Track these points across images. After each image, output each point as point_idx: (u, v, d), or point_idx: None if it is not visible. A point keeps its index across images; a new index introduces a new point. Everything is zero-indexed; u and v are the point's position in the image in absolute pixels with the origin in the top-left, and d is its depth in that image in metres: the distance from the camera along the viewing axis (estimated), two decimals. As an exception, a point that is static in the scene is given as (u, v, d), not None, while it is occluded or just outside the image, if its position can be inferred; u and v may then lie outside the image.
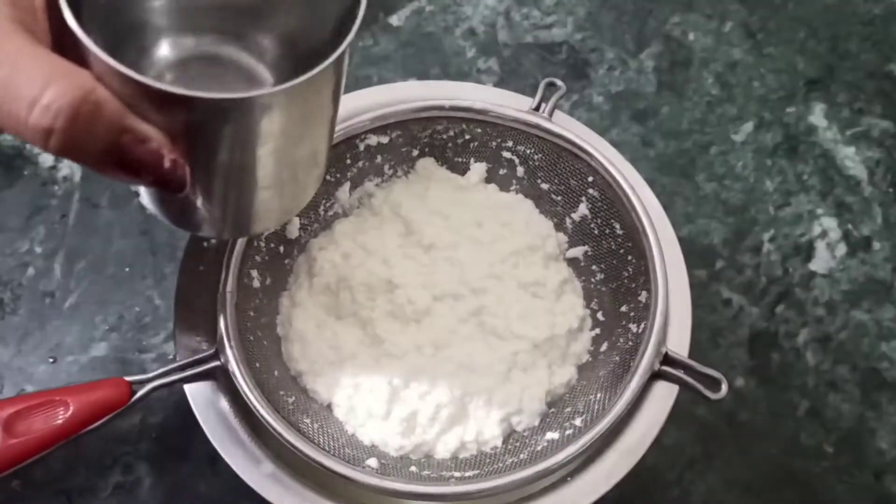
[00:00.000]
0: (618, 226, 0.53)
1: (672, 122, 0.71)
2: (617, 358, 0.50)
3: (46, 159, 0.68)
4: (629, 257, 0.52)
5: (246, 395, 0.44)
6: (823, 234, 0.66)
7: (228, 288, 0.47)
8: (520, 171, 0.56)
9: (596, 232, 0.55)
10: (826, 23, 0.75)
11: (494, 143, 0.56)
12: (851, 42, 0.75)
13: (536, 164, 0.55)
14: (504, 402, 0.49)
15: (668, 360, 0.47)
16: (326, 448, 0.45)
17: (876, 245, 0.65)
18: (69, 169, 0.68)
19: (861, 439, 0.59)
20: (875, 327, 0.62)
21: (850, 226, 0.66)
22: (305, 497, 0.44)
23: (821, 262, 0.65)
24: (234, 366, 0.45)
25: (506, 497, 0.44)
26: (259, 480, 0.44)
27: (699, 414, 0.59)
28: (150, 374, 0.45)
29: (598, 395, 0.49)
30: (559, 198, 0.56)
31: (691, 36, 0.75)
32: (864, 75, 0.73)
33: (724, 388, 0.45)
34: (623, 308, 0.52)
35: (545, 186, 0.56)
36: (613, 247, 0.53)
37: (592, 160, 0.52)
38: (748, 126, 0.70)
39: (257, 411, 0.44)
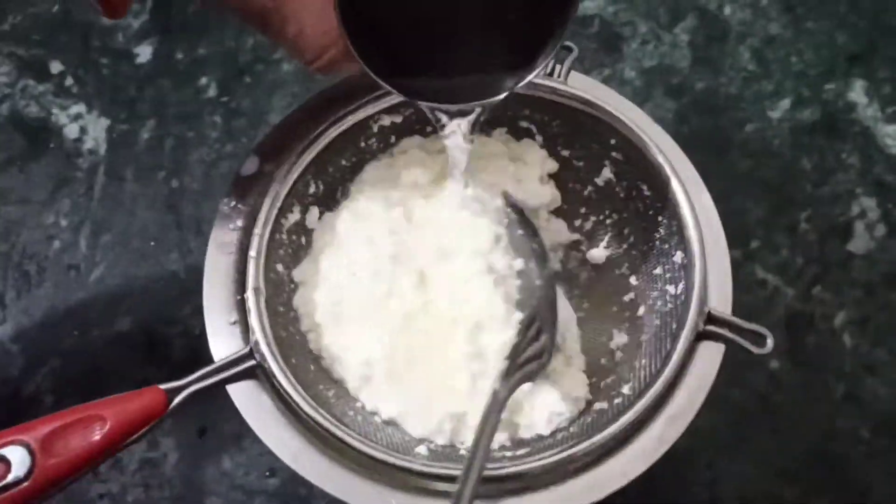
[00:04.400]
0: (645, 187, 0.51)
1: (707, 97, 0.69)
2: (657, 322, 0.49)
3: (72, 131, 0.68)
4: (659, 218, 0.50)
5: (289, 394, 0.42)
6: (862, 214, 0.64)
7: (253, 284, 0.45)
8: (539, 139, 0.55)
9: (622, 195, 0.53)
10: (868, -4, 0.73)
11: (510, 113, 0.54)
12: (894, 17, 0.72)
13: (555, 131, 0.54)
14: (549, 396, 0.48)
15: (711, 319, 0.45)
16: (373, 439, 0.43)
17: (917, 226, 0.64)
18: (94, 142, 0.67)
19: (899, 424, 0.57)
20: (915, 310, 0.61)
21: (890, 206, 0.64)
22: (361, 487, 0.42)
23: (859, 243, 0.63)
24: (272, 365, 0.43)
25: (560, 472, 0.42)
26: (317, 475, 0.42)
27: (733, 396, 0.58)
28: (186, 380, 0.43)
29: (643, 360, 0.48)
30: (581, 164, 0.54)
31: (727, 9, 0.73)
32: (908, 51, 0.71)
33: (770, 342, 0.43)
34: (657, 270, 0.51)
35: (566, 153, 0.54)
36: (642, 209, 0.52)
37: (614, 121, 0.50)
38: (785, 103, 0.69)
39: (302, 410, 0.42)
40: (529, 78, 0.44)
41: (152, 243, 0.64)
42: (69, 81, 0.70)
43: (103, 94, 0.70)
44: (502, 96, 0.45)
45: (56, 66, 0.71)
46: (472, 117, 0.46)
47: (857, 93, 0.69)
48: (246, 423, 0.56)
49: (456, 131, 0.47)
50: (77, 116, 0.69)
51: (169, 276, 0.62)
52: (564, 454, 0.41)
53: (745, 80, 0.70)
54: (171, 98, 0.69)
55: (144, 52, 0.71)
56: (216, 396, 0.57)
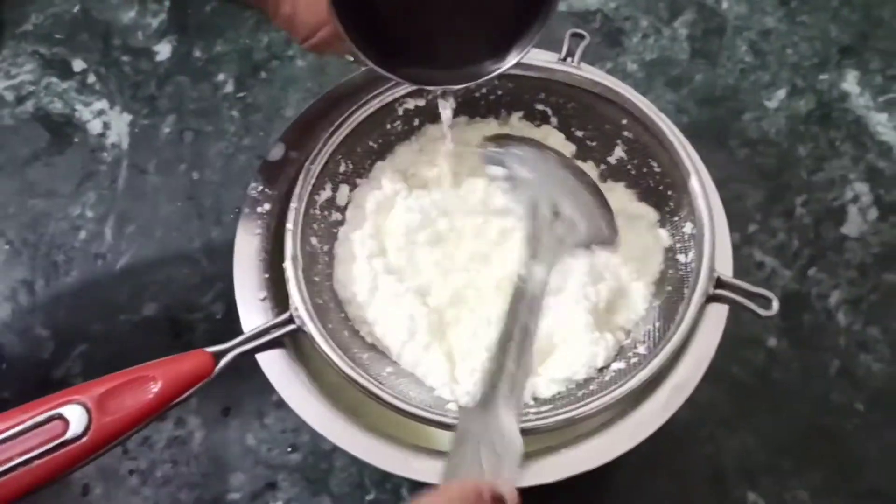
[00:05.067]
0: (655, 164, 0.54)
1: (706, 89, 0.72)
2: (669, 287, 0.52)
3: (95, 126, 0.71)
4: (669, 192, 0.53)
5: (328, 355, 0.45)
6: (855, 198, 0.67)
7: (291, 254, 0.48)
8: (553, 121, 0.57)
9: (633, 172, 0.56)
10: (860, -10, 0.76)
11: (527, 96, 0.56)
12: (885, 9, 0.75)
13: (569, 112, 0.56)
14: (575, 360, 0.50)
15: (719, 283, 0.48)
16: (405, 398, 0.46)
17: (907, 209, 0.66)
18: (117, 136, 0.70)
19: (892, 398, 0.60)
20: (906, 289, 0.63)
21: (881, 190, 0.67)
22: (385, 451, 0.45)
23: (853, 226, 0.66)
24: (311, 329, 0.46)
25: (582, 427, 0.45)
26: (337, 437, 0.45)
27: (733, 372, 0.60)
28: (230, 344, 0.46)
29: (658, 323, 0.51)
30: (594, 143, 0.57)
31: (725, 4, 0.75)
32: (898, 42, 0.74)
33: (776, 305, 0.47)
34: (669, 241, 0.54)
35: (580, 134, 0.57)
36: (652, 184, 0.55)
37: (626, 102, 0.53)
38: (781, 93, 0.71)
39: (341, 370, 0.45)
40: (502, 70, 0.47)
41: (174, 233, 0.66)
42: (91, 79, 0.73)
43: (125, 90, 0.72)
44: (479, 81, 0.48)
45: (78, 64, 0.74)
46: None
47: (850, 83, 0.72)
48: (269, 402, 0.59)
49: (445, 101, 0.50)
50: (100, 112, 0.71)
51: (191, 263, 0.65)
52: (583, 409, 0.44)
53: (742, 71, 0.72)
54: (189, 94, 0.72)
55: (164, 50, 0.74)
56: (241, 377, 0.60)
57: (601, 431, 0.45)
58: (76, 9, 0.76)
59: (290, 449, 0.59)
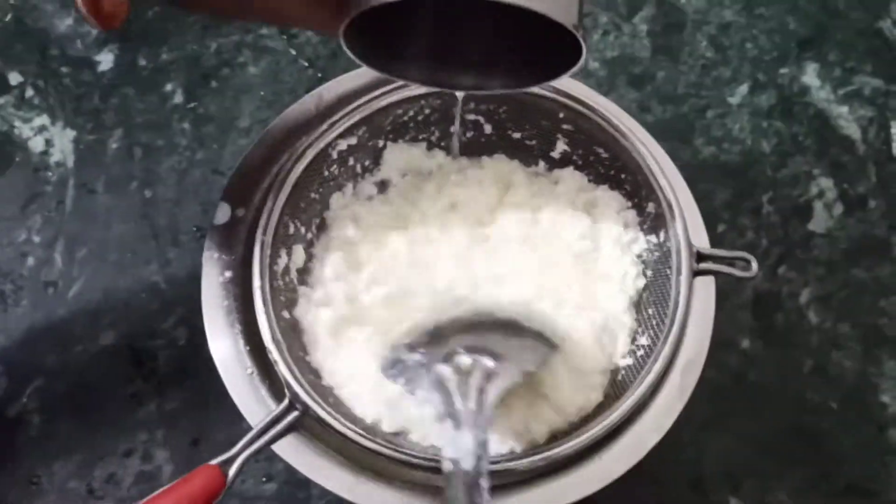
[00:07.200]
0: (601, 150, 0.53)
1: (668, 86, 0.71)
2: (649, 271, 0.51)
3: (37, 144, 0.67)
4: (622, 175, 0.53)
5: (343, 435, 0.43)
6: (821, 194, 0.67)
7: (271, 337, 0.45)
8: (487, 128, 0.56)
9: (580, 162, 0.55)
10: (816, -19, 0.76)
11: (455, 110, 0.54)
12: (842, 1, 0.75)
13: (503, 117, 0.55)
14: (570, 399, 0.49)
15: (700, 257, 0.49)
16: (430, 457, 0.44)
17: (871, 203, 0.67)
18: (61, 154, 0.66)
19: (864, 394, 0.60)
20: (874, 284, 0.64)
21: (846, 185, 0.67)
22: None
23: (819, 222, 0.66)
24: (318, 411, 0.43)
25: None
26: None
27: (709, 376, 0.59)
28: (235, 450, 0.43)
29: (650, 310, 0.50)
30: (534, 142, 0.56)
31: (683, -3, 0.75)
32: (855, 33, 0.74)
33: (754, 266, 0.48)
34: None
35: (517, 136, 0.56)
36: (602, 171, 0.54)
37: (559, 94, 0.51)
38: (743, 88, 0.71)
39: (362, 446, 0.43)
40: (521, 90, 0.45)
41: (129, 256, 0.63)
42: (30, 93, 0.69)
43: (66, 104, 0.68)
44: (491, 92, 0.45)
45: (14, 78, 0.69)
46: None
47: (810, 76, 0.72)
48: (238, 431, 0.56)
49: None
50: (41, 129, 0.67)
51: (149, 287, 0.62)
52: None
53: (703, 67, 0.72)
54: (136, 106, 0.68)
55: (105, 60, 0.70)
56: (208, 407, 0.58)
57: (625, 431, 0.46)
58: (8, 17, 0.72)
59: (264, 479, 0.57)
